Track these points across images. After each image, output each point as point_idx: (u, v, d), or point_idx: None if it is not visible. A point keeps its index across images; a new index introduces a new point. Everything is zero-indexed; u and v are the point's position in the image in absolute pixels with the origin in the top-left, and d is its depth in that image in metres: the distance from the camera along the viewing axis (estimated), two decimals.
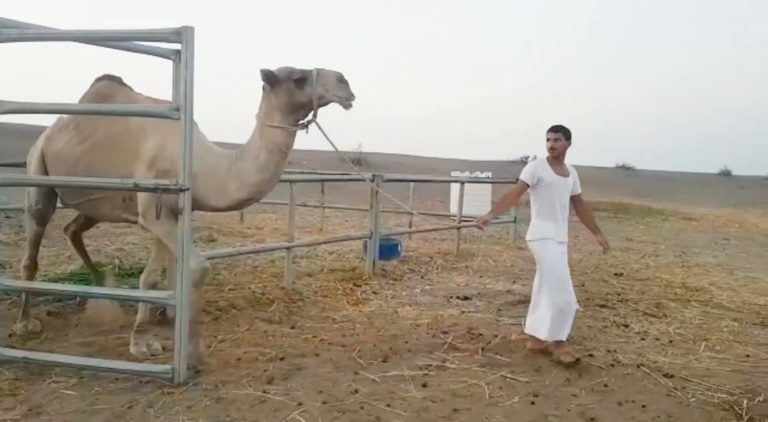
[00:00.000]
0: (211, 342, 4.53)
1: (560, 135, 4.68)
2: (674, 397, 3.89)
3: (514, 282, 7.67)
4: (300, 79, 3.84)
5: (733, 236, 15.01)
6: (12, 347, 4.10)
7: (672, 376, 4.26)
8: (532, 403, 3.71)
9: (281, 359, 4.27)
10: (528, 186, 4.70)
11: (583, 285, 7.40)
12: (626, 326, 5.61)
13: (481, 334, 5.16)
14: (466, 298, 6.60)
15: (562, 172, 4.73)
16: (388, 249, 8.40)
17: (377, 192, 7.50)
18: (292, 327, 5.11)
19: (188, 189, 3.60)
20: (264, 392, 3.66)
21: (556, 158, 4.72)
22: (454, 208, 9.11)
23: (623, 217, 19.23)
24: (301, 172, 13.72)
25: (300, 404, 3.51)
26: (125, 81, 4.52)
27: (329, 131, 4.08)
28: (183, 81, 3.56)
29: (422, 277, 7.73)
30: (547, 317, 4.54)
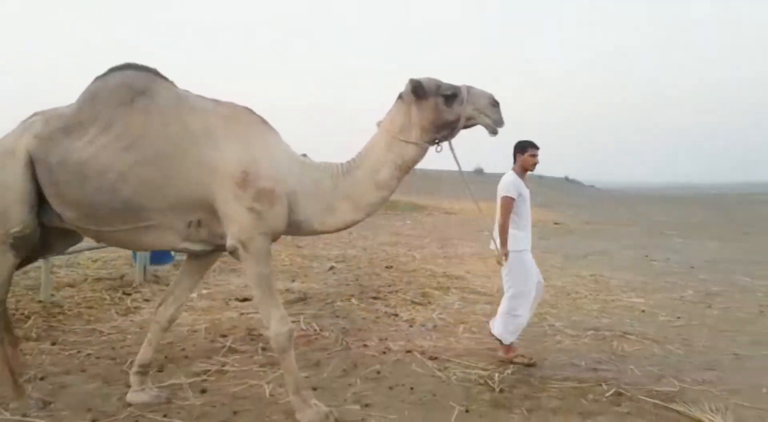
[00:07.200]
0: None
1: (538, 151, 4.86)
2: (437, 378, 4.27)
3: (293, 280, 7.80)
4: (450, 96, 3.34)
5: (489, 227, 16.69)
6: None
7: (436, 358, 4.67)
8: None
9: (41, 379, 3.91)
10: (514, 200, 4.75)
11: (357, 280, 7.79)
12: (396, 315, 6.04)
13: (261, 335, 5.15)
14: (245, 300, 6.55)
15: (527, 184, 4.91)
16: (160, 254, 7.95)
17: None
18: (53, 343, 4.69)
19: None
20: (24, 416, 3.31)
21: (526, 172, 4.88)
22: None
23: (392, 213, 20.54)
24: None
25: None
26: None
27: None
28: None
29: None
30: (500, 320, 4.73)
